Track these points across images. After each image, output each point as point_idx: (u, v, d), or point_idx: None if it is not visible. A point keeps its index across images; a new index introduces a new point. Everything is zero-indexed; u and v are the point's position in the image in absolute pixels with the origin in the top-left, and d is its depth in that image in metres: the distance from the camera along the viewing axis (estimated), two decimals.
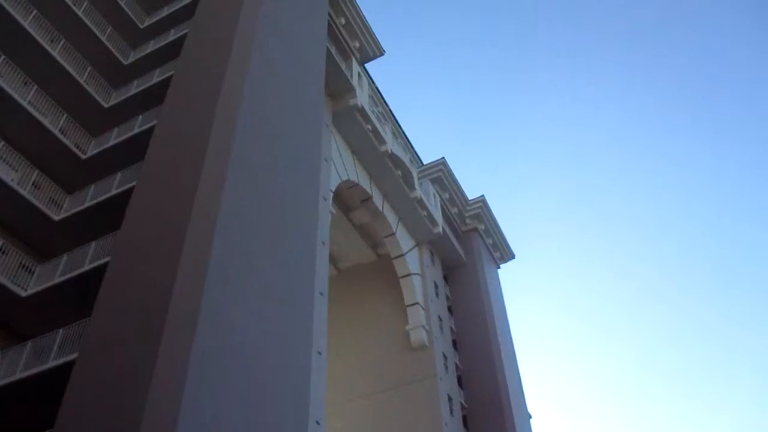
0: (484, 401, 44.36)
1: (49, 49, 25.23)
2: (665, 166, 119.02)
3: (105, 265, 19.20)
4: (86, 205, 22.66)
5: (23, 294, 20.25)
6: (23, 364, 18.27)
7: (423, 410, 39.52)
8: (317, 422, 23.23)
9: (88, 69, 27.73)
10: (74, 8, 27.52)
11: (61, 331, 18.62)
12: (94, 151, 25.24)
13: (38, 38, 24.86)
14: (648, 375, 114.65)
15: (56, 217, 22.68)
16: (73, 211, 22.79)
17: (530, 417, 49.56)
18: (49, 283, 20.23)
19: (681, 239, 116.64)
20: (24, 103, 23.10)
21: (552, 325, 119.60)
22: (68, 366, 16.77)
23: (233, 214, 19.33)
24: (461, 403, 44.15)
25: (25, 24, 24.56)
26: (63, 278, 20.13)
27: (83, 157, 24.93)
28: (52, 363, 17.40)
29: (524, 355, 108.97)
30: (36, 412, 17.80)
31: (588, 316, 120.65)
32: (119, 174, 23.51)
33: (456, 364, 46.03)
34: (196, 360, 15.05)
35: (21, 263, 21.32)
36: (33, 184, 23.31)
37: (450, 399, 42.18)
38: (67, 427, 15.10)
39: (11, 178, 22.40)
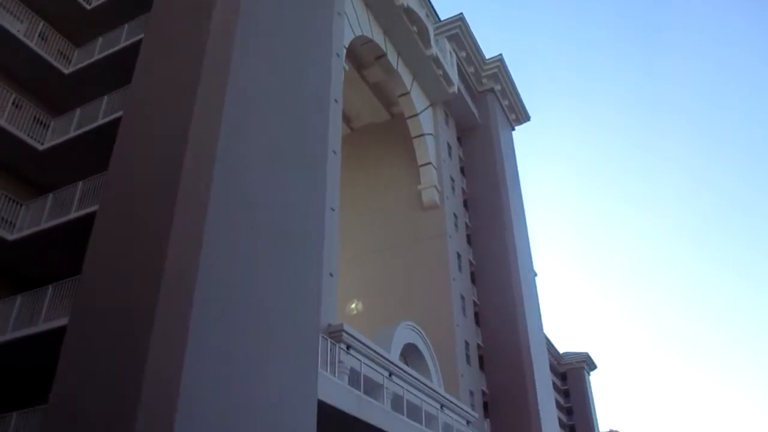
0: (492, 258, 45.85)
1: None
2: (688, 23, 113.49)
3: (118, 119, 19.22)
4: (95, 58, 22.26)
5: (41, 148, 20.50)
6: (47, 215, 18.92)
7: (432, 266, 41.01)
8: (330, 274, 24.26)
9: None
10: None
11: (80, 183, 19.05)
12: (99, 1, 24.37)
13: None
14: (663, 237, 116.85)
15: (66, 71, 22.40)
16: (83, 64, 22.44)
17: (536, 275, 51.42)
18: (65, 137, 20.40)
19: (706, 102, 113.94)
20: None
21: (563, 189, 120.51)
22: (90, 217, 17.33)
23: (245, 65, 18.98)
24: (470, 261, 45.65)
25: None
26: (78, 132, 20.25)
27: (88, 7, 24.11)
28: (74, 214, 17.98)
29: (534, 217, 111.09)
30: (59, 260, 18.63)
31: (601, 180, 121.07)
32: (126, 26, 22.85)
33: (466, 224, 47.06)
34: (212, 210, 15.45)
35: (35, 117, 21.38)
36: (40, 36, 22.78)
37: (459, 256, 43.59)
38: (91, 274, 15.90)
39: (18, 29, 21.87)
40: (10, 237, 18.77)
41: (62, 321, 15.71)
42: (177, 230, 15.01)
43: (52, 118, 22.01)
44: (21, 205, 19.88)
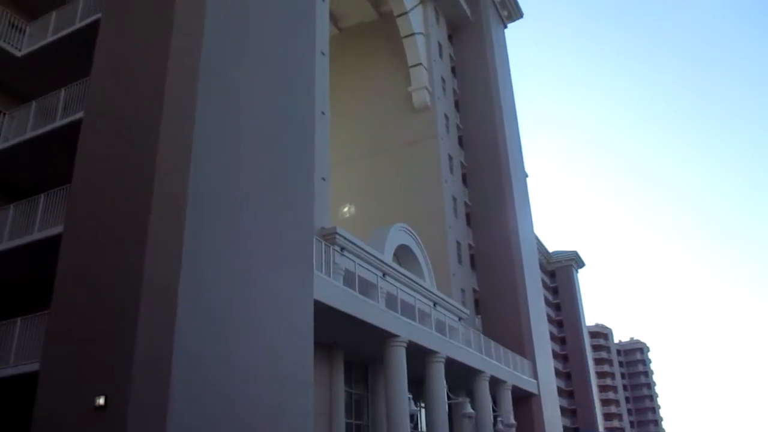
0: (484, 160, 45.92)
1: None
2: None
3: (97, 21, 18.52)
4: None
5: (19, 54, 19.86)
6: (31, 124, 18.58)
7: (424, 169, 41.12)
8: (323, 178, 24.31)
9: None
10: None
11: (63, 90, 18.60)
12: None
13: None
14: (656, 138, 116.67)
15: None
16: None
17: (527, 176, 51.68)
18: (43, 42, 19.71)
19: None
20: None
21: (556, 90, 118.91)
22: (76, 124, 17.05)
23: None
24: (461, 163, 45.71)
25: None
26: (55, 37, 19.54)
27: None
28: (59, 122, 17.67)
29: (526, 118, 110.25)
30: (50, 169, 18.49)
31: (593, 80, 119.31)
32: None
33: (457, 125, 46.73)
34: (200, 114, 15.19)
35: (11, 22, 20.55)
36: None
37: (450, 158, 43.59)
38: (82, 182, 15.85)
39: None
40: None
41: (57, 229, 15.82)
42: (165, 135, 14.85)
43: (27, 23, 21.17)
44: (4, 114, 19.49)
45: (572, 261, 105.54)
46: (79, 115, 17.15)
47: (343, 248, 23.05)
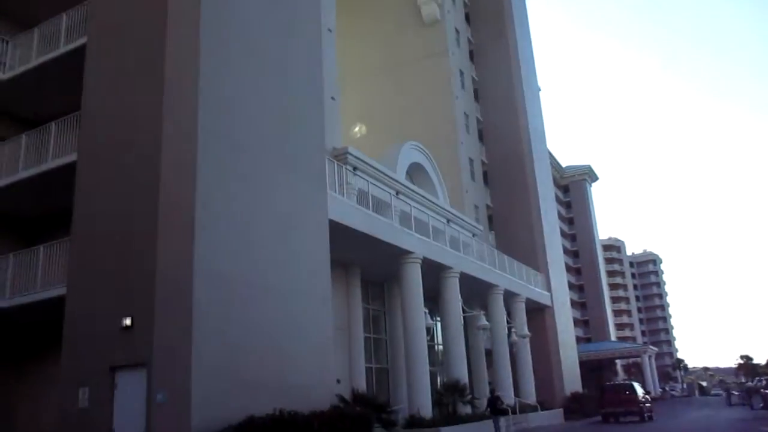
0: (495, 75, 45.02)
1: None
2: None
3: None
4: None
5: None
6: (36, 51, 18.31)
7: (435, 85, 40.45)
8: (332, 98, 24.00)
9: None
10: None
11: (64, 15, 18.22)
12: None
13: None
14: (667, 49, 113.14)
15: None
16: None
17: (539, 90, 50.71)
18: None
19: None
20: None
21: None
22: (80, 50, 16.80)
23: None
24: (472, 77, 44.88)
25: None
26: None
27: None
28: (63, 48, 17.41)
29: (539, 28, 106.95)
30: (58, 96, 18.36)
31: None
32: None
33: (468, 39, 45.57)
34: (205, 38, 14.91)
35: None
36: None
37: (461, 73, 42.77)
38: (93, 108, 15.79)
39: None
40: (3, 76, 18.38)
41: (71, 157, 15.89)
42: (172, 55, 14.64)
43: None
44: (7, 42, 19.20)
45: (585, 175, 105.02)
46: (83, 40, 16.87)
47: (355, 168, 23.04)
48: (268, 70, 17.20)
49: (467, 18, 46.24)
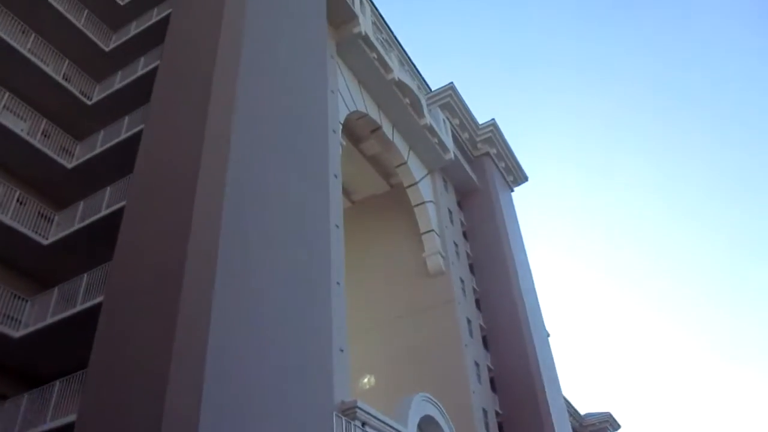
0: (503, 322, 45.23)
1: None
2: (681, 94, 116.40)
3: (121, 209, 19.41)
4: (97, 151, 22.70)
5: (45, 242, 20.62)
6: (52, 309, 18.81)
7: (443, 334, 40.42)
8: (341, 350, 23.88)
9: (85, 12, 27.20)
10: None
11: (85, 276, 19.04)
12: (100, 97, 25.07)
13: None
14: (667, 286, 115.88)
15: (69, 165, 22.80)
16: (84, 158, 22.87)
17: (548, 335, 50.62)
18: (69, 230, 20.55)
19: (694, 159, 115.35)
20: (24, 51, 22.83)
21: (568, 244, 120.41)
22: (95, 309, 17.23)
23: (244, 149, 19.30)
24: (480, 325, 45.06)
25: None
26: (82, 224, 20.42)
27: (89, 103, 24.80)
28: (79, 307, 17.89)
29: (541, 274, 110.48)
30: (68, 354, 18.40)
31: (603, 233, 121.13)
32: (126, 118, 23.42)
33: (473, 288, 46.70)
34: (218, 296, 15.36)
35: (39, 212, 21.61)
36: (42, 133, 23.31)
37: (469, 322, 43.04)
38: (100, 366, 15.67)
39: (21, 128, 22.41)
40: (16, 334, 18.60)
41: (71, 417, 15.38)
42: (182, 322, 14.88)
43: (56, 213, 22.24)
44: (26, 301, 19.80)
45: (607, 423, 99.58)
46: (99, 299, 17.39)
47: (364, 423, 22.06)
48: (277, 322, 17.39)
49: (471, 268, 47.98)
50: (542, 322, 49.98)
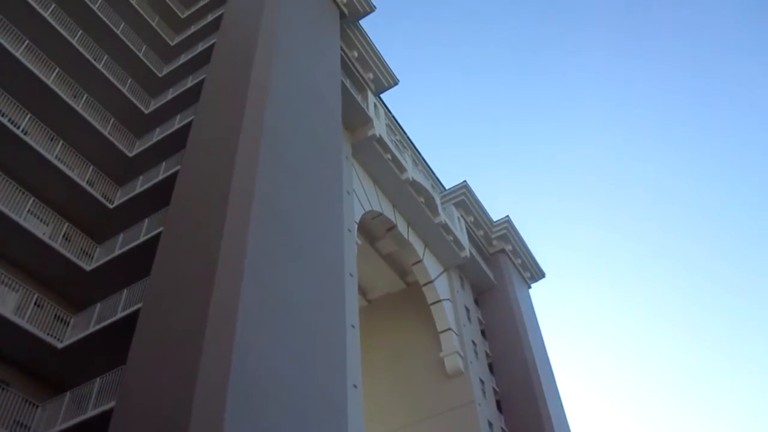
0: (526, 425, 43.51)
1: (72, 104, 25.91)
2: (693, 177, 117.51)
3: (137, 311, 19.40)
4: (116, 253, 22.99)
5: (59, 346, 20.50)
6: (63, 414, 18.43)
7: None
8: None
9: (112, 120, 28.41)
10: (95, 63, 28.30)
11: (98, 380, 18.78)
12: (121, 200, 25.70)
13: (62, 94, 25.56)
14: (695, 393, 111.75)
15: (88, 268, 23.04)
16: (103, 260, 23.14)
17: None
18: (84, 333, 20.46)
19: (712, 250, 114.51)
20: (52, 159, 23.68)
21: (591, 340, 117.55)
22: (107, 415, 16.87)
23: (260, 254, 19.45)
24: (502, 429, 43.38)
25: (49, 82, 25.28)
26: (97, 327, 20.36)
27: (110, 206, 25.38)
28: (90, 413, 17.53)
29: (563, 373, 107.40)
30: None
31: (624, 329, 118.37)
32: (146, 221, 23.87)
33: (494, 389, 45.36)
34: (233, 403, 15.02)
35: (56, 315, 21.65)
36: (64, 236, 23.76)
37: (490, 424, 41.46)
38: None
39: (43, 232, 22.86)
40: None
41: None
42: (195, 427, 14.50)
43: (72, 315, 22.25)
44: (37, 406, 19.46)
45: None
46: (111, 404, 17.05)
47: None
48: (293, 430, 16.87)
49: (491, 368, 46.76)
50: (567, 425, 48.04)
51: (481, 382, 43.52)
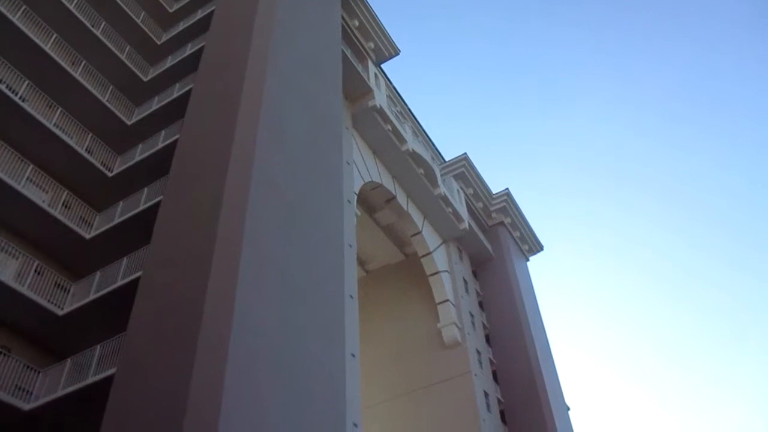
0: (521, 395, 44.05)
1: (71, 71, 25.70)
2: (695, 153, 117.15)
3: (137, 279, 19.50)
4: (115, 222, 23.03)
5: (60, 313, 20.64)
6: (64, 381, 18.64)
7: (459, 407, 39.38)
8: (354, 424, 23.30)
9: (110, 88, 28.21)
10: (93, 30, 28.01)
11: (98, 347, 18.95)
12: (120, 169, 25.65)
13: (60, 61, 25.34)
14: (689, 361, 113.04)
15: (87, 236, 23.09)
16: (103, 228, 23.19)
17: (569, 409, 49.11)
18: (84, 301, 20.60)
19: (713, 222, 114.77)
20: (50, 126, 23.56)
21: (586, 314, 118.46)
22: (107, 381, 17.06)
23: (259, 222, 19.48)
24: (498, 399, 43.94)
25: (47, 48, 25.04)
26: (97, 295, 20.48)
27: (110, 175, 25.34)
28: (91, 379, 17.72)
29: (559, 345, 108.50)
30: (79, 426, 18.11)
31: (622, 302, 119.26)
32: (146, 189, 23.85)
33: (490, 360, 45.81)
34: (231, 369, 15.18)
35: (56, 283, 21.76)
36: (63, 204, 23.77)
37: (486, 395, 41.97)
38: None
39: (42, 200, 22.87)
40: (26, 406, 18.37)
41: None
42: (194, 392, 14.68)
43: (72, 283, 22.37)
44: (38, 372, 19.66)
45: None
46: (112, 371, 17.23)
47: None
48: (291, 398, 17.08)
49: (488, 339, 47.16)
50: (562, 395, 48.64)
51: (478, 352, 43.93)
